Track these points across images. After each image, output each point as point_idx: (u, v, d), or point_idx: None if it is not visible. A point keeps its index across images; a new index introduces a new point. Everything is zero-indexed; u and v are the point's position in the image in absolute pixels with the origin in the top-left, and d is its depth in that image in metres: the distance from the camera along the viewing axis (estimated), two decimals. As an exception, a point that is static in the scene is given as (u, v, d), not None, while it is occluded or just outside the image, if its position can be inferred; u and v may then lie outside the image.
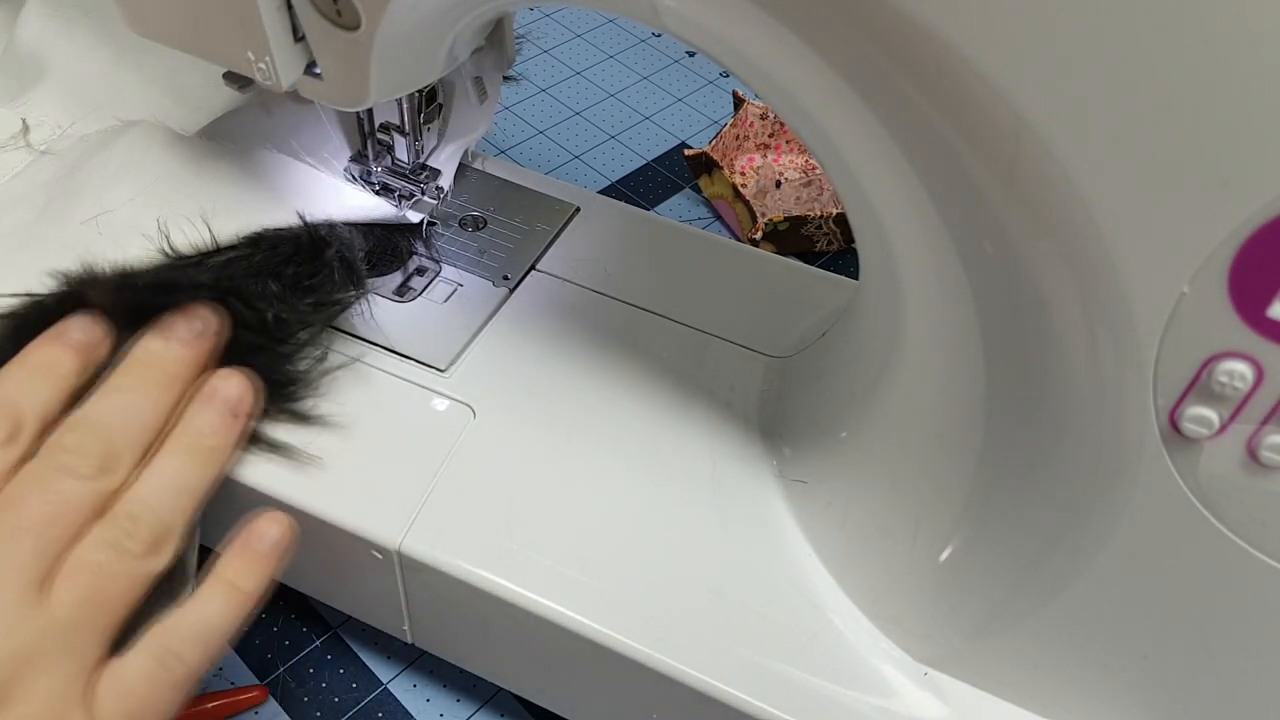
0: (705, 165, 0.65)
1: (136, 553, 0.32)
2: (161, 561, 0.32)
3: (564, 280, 0.45)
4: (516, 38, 0.43)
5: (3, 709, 0.28)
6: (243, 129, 0.44)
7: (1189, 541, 0.26)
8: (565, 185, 0.49)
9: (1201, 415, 0.24)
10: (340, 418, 0.38)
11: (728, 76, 0.77)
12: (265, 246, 0.40)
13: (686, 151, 0.66)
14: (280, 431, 0.38)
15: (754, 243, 0.61)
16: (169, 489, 0.33)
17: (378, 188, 0.45)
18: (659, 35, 0.80)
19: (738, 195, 0.62)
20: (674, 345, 0.43)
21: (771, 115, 0.66)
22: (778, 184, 0.66)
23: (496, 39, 0.42)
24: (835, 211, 0.61)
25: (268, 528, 0.34)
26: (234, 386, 0.36)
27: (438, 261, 0.45)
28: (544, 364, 0.41)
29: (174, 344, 0.35)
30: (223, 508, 0.35)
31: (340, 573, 0.40)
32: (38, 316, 0.36)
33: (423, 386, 0.40)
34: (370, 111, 0.43)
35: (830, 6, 0.25)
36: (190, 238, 0.39)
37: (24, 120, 0.46)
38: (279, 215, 0.41)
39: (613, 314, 0.44)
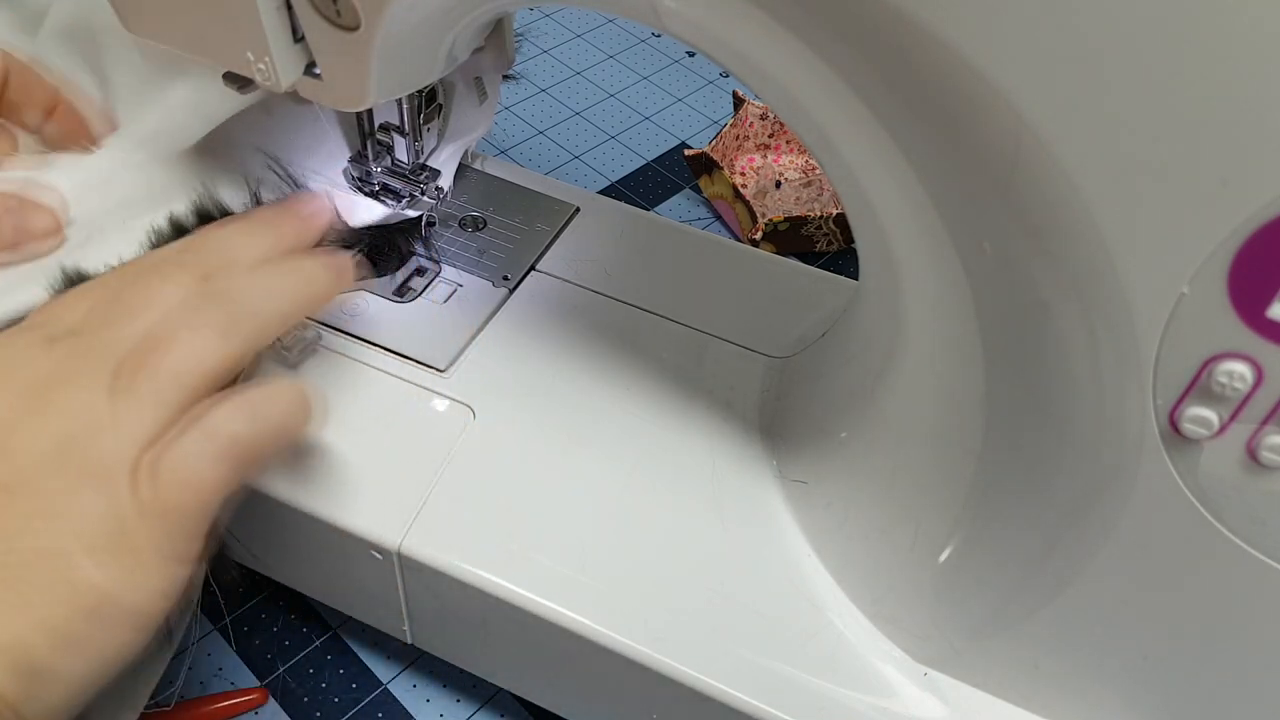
0: (705, 165, 0.65)
1: (214, 321, 0.30)
2: (233, 347, 0.30)
3: (564, 280, 0.45)
4: (516, 38, 0.43)
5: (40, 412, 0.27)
6: (243, 133, 0.44)
7: (1189, 542, 0.26)
8: (565, 185, 0.49)
9: (1201, 416, 0.24)
10: (340, 418, 0.38)
11: (728, 76, 0.77)
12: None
13: (686, 151, 0.66)
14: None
15: (754, 243, 0.61)
16: (261, 289, 0.32)
17: (377, 188, 0.45)
18: (659, 35, 0.80)
19: (738, 195, 0.62)
20: (674, 345, 0.43)
21: (771, 115, 0.66)
22: (778, 184, 0.66)
23: (496, 39, 0.42)
24: (835, 211, 0.61)
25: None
26: (345, 261, 0.36)
27: (437, 262, 0.45)
28: (544, 364, 0.41)
29: (290, 215, 0.36)
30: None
31: (340, 573, 0.40)
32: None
33: (422, 387, 0.40)
34: (370, 112, 0.43)
35: (830, 7, 0.25)
36: None
37: None
38: None
39: (613, 314, 0.44)
